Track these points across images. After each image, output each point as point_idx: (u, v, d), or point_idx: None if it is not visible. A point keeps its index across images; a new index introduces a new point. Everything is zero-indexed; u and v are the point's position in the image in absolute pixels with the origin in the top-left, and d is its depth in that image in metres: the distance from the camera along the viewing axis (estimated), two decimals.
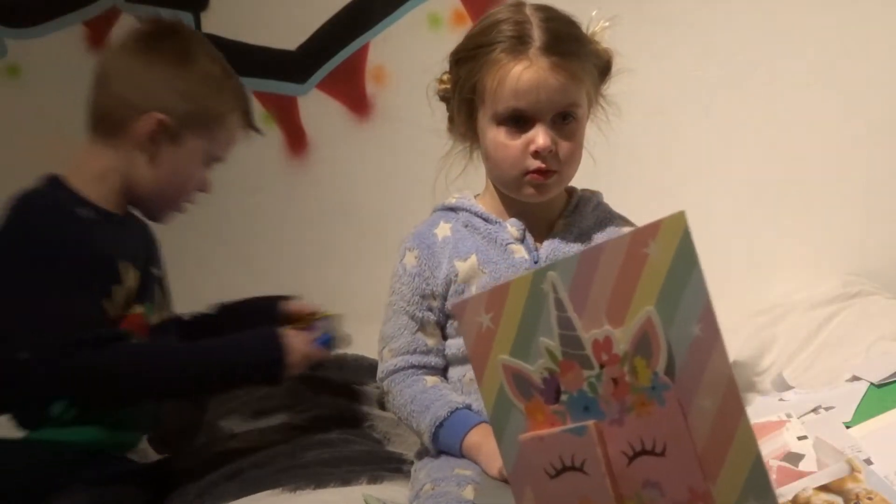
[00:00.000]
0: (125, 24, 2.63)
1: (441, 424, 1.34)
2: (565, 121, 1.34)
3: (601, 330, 0.93)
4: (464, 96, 1.36)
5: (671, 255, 0.89)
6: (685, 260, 0.88)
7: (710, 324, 0.88)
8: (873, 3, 2.04)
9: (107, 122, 1.56)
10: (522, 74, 1.30)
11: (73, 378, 1.39)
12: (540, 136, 1.32)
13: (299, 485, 1.50)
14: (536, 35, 1.31)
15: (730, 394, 0.89)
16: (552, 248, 1.39)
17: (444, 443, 1.35)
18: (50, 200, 1.53)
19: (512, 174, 1.36)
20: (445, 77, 1.41)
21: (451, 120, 1.44)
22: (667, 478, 0.92)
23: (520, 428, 0.99)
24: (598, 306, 0.93)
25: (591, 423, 0.94)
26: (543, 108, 1.32)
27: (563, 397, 0.96)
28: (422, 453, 1.43)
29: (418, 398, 1.38)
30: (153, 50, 1.57)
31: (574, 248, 1.39)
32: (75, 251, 1.48)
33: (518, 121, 1.33)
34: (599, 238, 1.41)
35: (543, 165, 1.33)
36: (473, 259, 1.40)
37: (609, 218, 1.45)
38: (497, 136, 1.34)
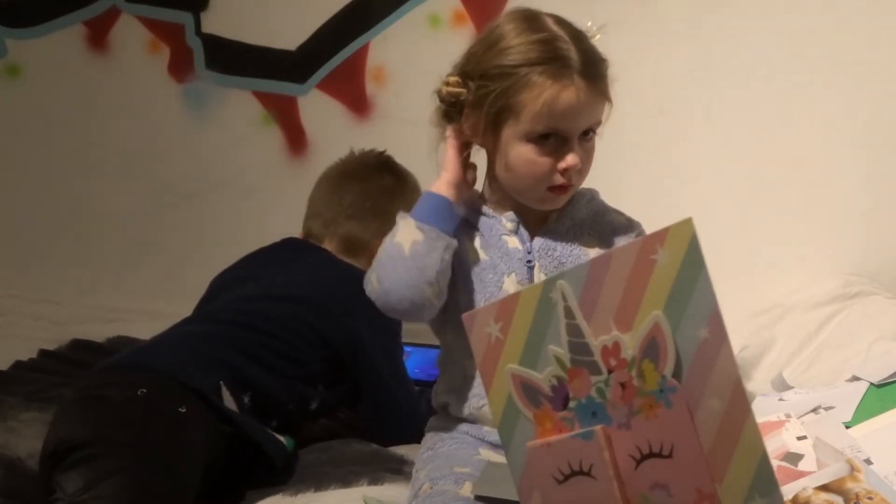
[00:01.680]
0: (125, 24, 2.63)
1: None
2: (586, 136, 1.35)
3: (610, 336, 0.94)
4: (492, 109, 1.36)
5: (679, 261, 0.89)
6: (693, 265, 0.89)
7: (718, 326, 0.89)
8: (873, 3, 2.05)
9: (356, 245, 1.93)
10: (570, 99, 1.31)
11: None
12: (571, 156, 1.33)
13: (299, 488, 1.50)
14: (574, 56, 1.31)
15: (737, 394, 0.90)
16: (545, 240, 1.41)
17: (420, 210, 1.36)
18: None
19: (535, 188, 1.37)
20: (453, 80, 1.40)
21: (447, 117, 1.42)
22: (674, 479, 0.93)
23: (528, 436, 1.00)
24: (607, 312, 0.93)
25: (598, 427, 0.95)
26: (578, 127, 1.33)
27: (572, 404, 0.97)
28: (423, 453, 1.43)
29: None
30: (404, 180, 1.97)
31: (566, 239, 1.41)
32: None
33: (548, 137, 1.34)
34: (592, 229, 1.43)
35: (568, 183, 1.35)
36: (477, 240, 1.41)
37: (603, 211, 1.46)
38: (525, 153, 1.34)
